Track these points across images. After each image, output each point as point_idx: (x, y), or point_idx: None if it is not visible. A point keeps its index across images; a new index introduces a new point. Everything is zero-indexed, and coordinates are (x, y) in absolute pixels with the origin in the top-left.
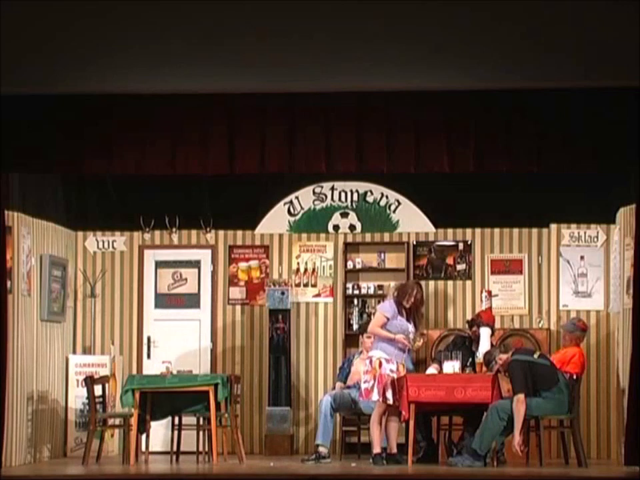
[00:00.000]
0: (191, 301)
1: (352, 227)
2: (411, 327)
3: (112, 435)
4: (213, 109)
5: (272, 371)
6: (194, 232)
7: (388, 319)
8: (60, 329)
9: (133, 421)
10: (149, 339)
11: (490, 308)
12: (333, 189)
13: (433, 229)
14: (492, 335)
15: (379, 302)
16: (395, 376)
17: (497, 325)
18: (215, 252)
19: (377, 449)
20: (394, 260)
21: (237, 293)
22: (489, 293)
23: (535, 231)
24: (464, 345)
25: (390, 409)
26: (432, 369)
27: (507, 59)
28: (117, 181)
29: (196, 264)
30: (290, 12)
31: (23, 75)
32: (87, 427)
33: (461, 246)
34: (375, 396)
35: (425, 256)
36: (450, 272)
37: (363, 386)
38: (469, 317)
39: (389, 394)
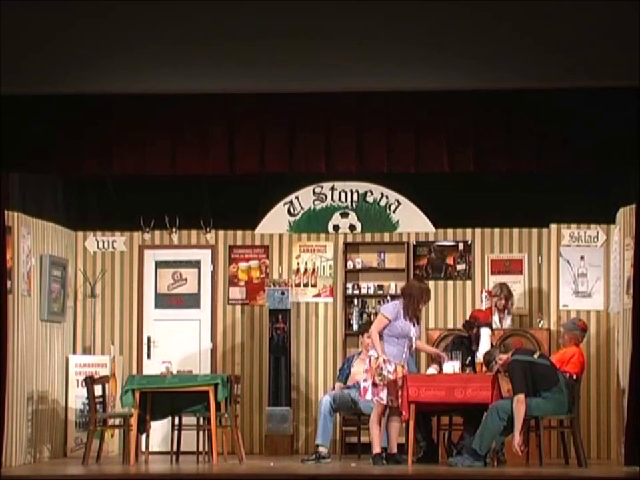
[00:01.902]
0: (191, 301)
1: (352, 227)
2: (413, 330)
3: (112, 435)
4: (212, 109)
5: (272, 371)
6: (194, 232)
7: (390, 321)
8: (60, 329)
9: (133, 420)
10: (149, 339)
11: (490, 308)
12: (333, 189)
13: (433, 229)
14: (492, 334)
15: (379, 302)
16: (392, 377)
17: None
18: (215, 252)
19: (377, 449)
20: (394, 260)
21: (236, 293)
22: (489, 293)
23: (534, 231)
24: (463, 344)
25: (391, 409)
26: (432, 369)
27: (507, 59)
28: (116, 180)
29: (196, 264)
30: (290, 12)
31: (23, 74)
32: (87, 426)
33: (461, 246)
34: (369, 395)
35: (425, 256)
36: (450, 272)
37: (362, 384)
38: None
39: (384, 394)
